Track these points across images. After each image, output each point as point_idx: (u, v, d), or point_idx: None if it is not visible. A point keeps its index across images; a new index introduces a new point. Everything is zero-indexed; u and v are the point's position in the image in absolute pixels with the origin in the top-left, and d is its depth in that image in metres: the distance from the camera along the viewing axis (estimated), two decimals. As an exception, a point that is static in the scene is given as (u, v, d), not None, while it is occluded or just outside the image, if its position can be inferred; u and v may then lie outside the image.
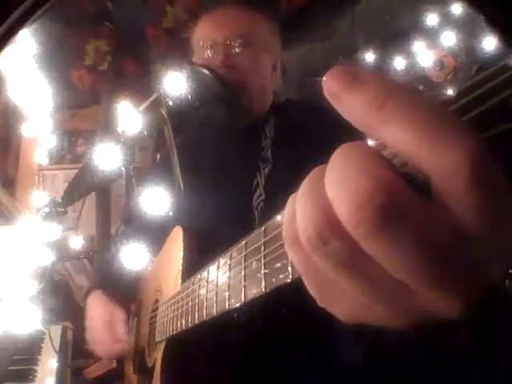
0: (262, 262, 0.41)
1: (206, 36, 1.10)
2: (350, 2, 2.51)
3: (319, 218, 0.25)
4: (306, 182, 0.28)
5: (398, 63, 2.51)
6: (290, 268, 0.36)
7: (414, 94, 0.24)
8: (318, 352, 0.92)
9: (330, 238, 0.25)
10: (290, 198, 0.30)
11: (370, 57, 2.49)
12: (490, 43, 2.11)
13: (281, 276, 0.37)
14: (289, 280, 0.36)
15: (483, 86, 0.22)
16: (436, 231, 0.23)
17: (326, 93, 0.26)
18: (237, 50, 1.07)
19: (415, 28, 2.41)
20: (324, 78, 0.26)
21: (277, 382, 0.90)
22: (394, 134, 0.23)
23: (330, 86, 0.26)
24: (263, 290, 0.41)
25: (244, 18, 1.14)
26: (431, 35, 2.40)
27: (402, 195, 0.23)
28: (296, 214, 0.28)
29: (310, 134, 1.00)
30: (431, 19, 2.35)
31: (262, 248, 0.41)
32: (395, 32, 2.49)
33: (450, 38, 2.37)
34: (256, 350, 0.87)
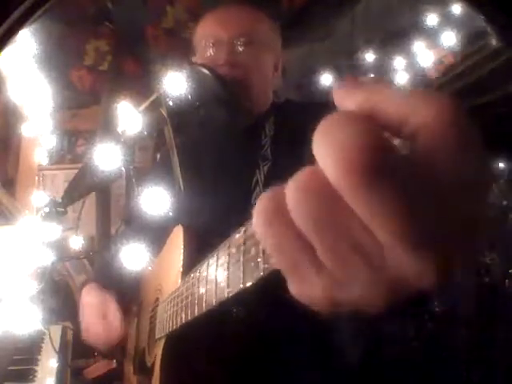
0: (260, 246, 0.41)
1: (209, 34, 1.11)
2: (350, 2, 2.51)
3: (308, 173, 0.27)
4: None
5: (398, 63, 2.50)
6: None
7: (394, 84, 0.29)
8: (317, 348, 0.92)
9: (316, 189, 0.26)
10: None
11: (370, 57, 2.49)
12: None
13: (254, 274, 0.39)
14: (261, 274, 0.37)
15: (461, 65, 0.27)
16: (417, 185, 0.24)
17: (334, 97, 0.30)
18: (240, 48, 1.08)
19: (415, 28, 2.40)
20: (334, 88, 0.31)
21: (276, 378, 0.90)
22: (388, 104, 0.27)
23: (338, 90, 0.30)
24: (261, 273, 0.41)
25: (247, 17, 1.14)
26: (431, 35, 2.40)
27: (387, 149, 0.24)
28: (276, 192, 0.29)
29: (309, 133, 1.00)
30: (431, 19, 2.35)
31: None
32: (395, 32, 2.49)
33: (449, 38, 2.37)
34: (255, 346, 0.87)
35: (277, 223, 0.29)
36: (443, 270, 0.25)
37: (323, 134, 0.26)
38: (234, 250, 0.49)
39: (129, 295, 1.19)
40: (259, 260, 0.41)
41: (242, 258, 0.46)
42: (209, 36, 1.10)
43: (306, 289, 0.29)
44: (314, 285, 0.29)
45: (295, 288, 0.30)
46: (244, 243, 0.46)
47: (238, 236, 0.48)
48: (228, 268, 0.51)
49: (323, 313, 0.30)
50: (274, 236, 0.29)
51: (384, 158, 0.24)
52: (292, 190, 0.27)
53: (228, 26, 1.10)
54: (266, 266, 0.40)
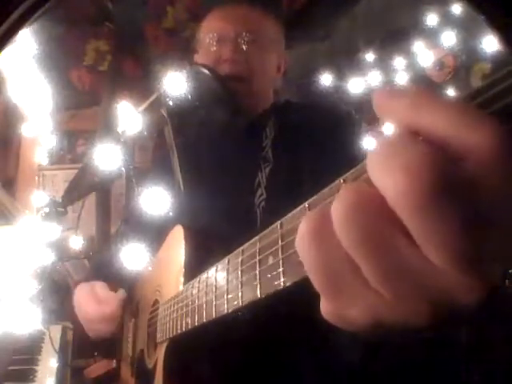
0: (280, 256, 0.40)
1: (214, 30, 1.10)
2: (350, 2, 2.51)
3: (356, 190, 0.27)
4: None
5: (398, 63, 2.50)
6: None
7: (443, 97, 0.27)
8: (319, 351, 0.92)
9: (369, 210, 0.26)
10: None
11: (370, 57, 2.49)
12: (489, 43, 2.11)
13: (301, 269, 0.37)
14: (281, 285, 0.36)
15: (502, 83, 0.25)
16: (473, 207, 0.24)
17: (376, 106, 0.30)
18: (245, 45, 1.08)
19: (415, 28, 2.41)
20: (374, 95, 0.30)
21: (278, 380, 0.90)
22: (433, 124, 0.26)
23: (380, 98, 0.30)
24: (282, 285, 0.40)
25: (254, 16, 1.14)
26: (431, 35, 2.40)
27: (448, 170, 0.24)
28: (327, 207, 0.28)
29: (310, 134, 1.00)
30: (431, 19, 2.35)
31: (279, 241, 0.40)
32: (395, 32, 2.49)
33: (449, 38, 2.37)
34: (258, 351, 0.87)
35: (322, 243, 0.28)
36: (491, 289, 0.26)
37: (381, 155, 0.26)
38: (247, 259, 0.48)
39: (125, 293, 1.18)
40: (279, 272, 0.40)
41: (257, 268, 0.45)
42: (214, 32, 1.10)
43: (345, 308, 0.29)
44: (356, 305, 0.28)
45: (331, 307, 0.30)
46: (259, 252, 0.45)
47: (251, 244, 0.47)
48: (241, 276, 0.50)
49: (359, 335, 0.30)
50: (317, 256, 0.29)
51: (447, 179, 0.24)
52: (339, 206, 0.27)
53: (235, 22, 1.10)
54: (287, 277, 0.39)
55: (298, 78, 2.50)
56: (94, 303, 1.07)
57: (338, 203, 0.27)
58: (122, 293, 1.09)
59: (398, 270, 0.26)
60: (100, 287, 1.09)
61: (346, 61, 2.51)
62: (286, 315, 0.87)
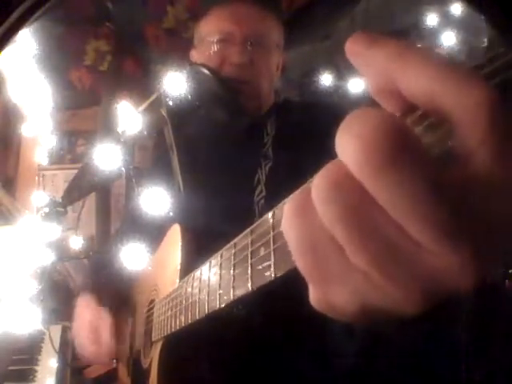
0: (271, 247, 0.39)
1: (220, 30, 1.09)
2: (350, 2, 2.51)
3: (332, 169, 0.25)
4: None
5: (398, 63, 2.50)
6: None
7: (432, 49, 0.25)
8: (316, 349, 0.92)
9: (342, 183, 0.25)
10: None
11: (370, 57, 2.49)
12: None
13: (264, 277, 0.37)
14: (272, 277, 0.36)
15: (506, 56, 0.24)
16: (448, 179, 0.23)
17: (349, 54, 0.28)
18: (251, 47, 1.07)
19: (415, 28, 2.40)
20: (348, 41, 0.28)
21: (275, 379, 0.89)
22: (416, 79, 0.24)
23: (354, 44, 0.27)
24: (273, 276, 0.39)
25: (259, 17, 1.13)
26: (431, 35, 2.40)
27: (407, 137, 0.23)
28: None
29: (310, 131, 1.00)
30: (431, 19, 2.35)
31: (271, 231, 0.39)
32: (395, 32, 2.49)
33: (449, 38, 2.37)
34: (254, 348, 0.87)
35: (303, 222, 0.27)
36: (481, 270, 0.24)
37: (342, 129, 0.24)
38: (239, 251, 0.48)
39: (122, 296, 1.18)
40: (269, 263, 0.39)
41: (249, 260, 0.44)
42: (218, 32, 1.08)
43: (332, 294, 0.27)
44: (342, 289, 0.27)
45: (318, 295, 0.28)
46: (251, 244, 0.44)
47: (244, 237, 0.47)
48: (234, 270, 0.49)
49: (348, 322, 0.28)
50: (299, 236, 0.28)
51: (403, 145, 0.22)
52: (316, 186, 0.26)
53: (241, 23, 1.08)
54: (277, 268, 0.38)
55: (298, 77, 2.50)
56: (92, 342, 1.08)
57: (316, 181, 0.26)
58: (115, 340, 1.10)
59: (381, 248, 0.25)
60: (105, 327, 1.08)
61: (346, 61, 2.51)
62: (282, 314, 0.86)
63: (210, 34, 1.10)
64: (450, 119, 0.23)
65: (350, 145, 0.23)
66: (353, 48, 0.27)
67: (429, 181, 0.22)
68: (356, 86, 2.38)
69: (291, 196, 0.29)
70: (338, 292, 0.27)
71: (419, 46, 0.26)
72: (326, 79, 2.43)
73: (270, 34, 1.12)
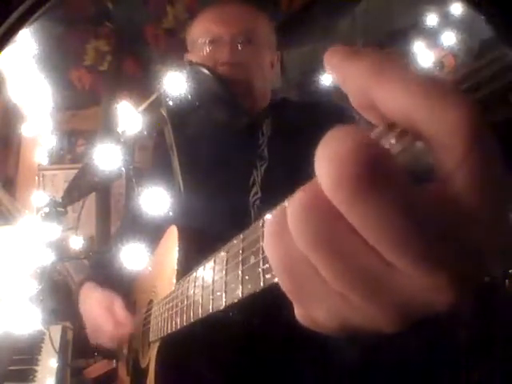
0: (261, 255, 0.39)
1: (208, 32, 1.09)
2: (350, 2, 2.51)
3: (308, 190, 0.25)
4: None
5: (398, 63, 2.50)
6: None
7: (409, 63, 0.25)
8: (315, 351, 0.92)
9: (315, 207, 0.24)
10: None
11: (370, 57, 2.49)
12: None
13: (253, 285, 0.37)
14: (261, 285, 0.36)
15: (484, 71, 0.23)
16: (423, 202, 0.22)
17: (327, 65, 0.27)
18: (241, 47, 1.07)
19: (415, 28, 2.40)
20: (325, 55, 0.27)
21: (274, 381, 0.89)
22: (393, 96, 0.23)
23: (332, 58, 0.27)
24: (262, 284, 0.39)
25: (246, 16, 1.14)
26: (431, 35, 2.40)
27: (383, 161, 0.22)
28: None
29: (306, 132, 1.00)
30: (431, 19, 2.35)
31: (260, 239, 0.40)
32: (395, 32, 2.49)
33: (449, 38, 2.37)
34: (251, 349, 0.87)
35: (280, 243, 0.27)
36: (458, 291, 0.23)
37: (320, 149, 0.24)
38: (231, 258, 0.48)
39: (122, 293, 1.18)
40: (259, 271, 0.39)
41: (240, 267, 0.44)
42: (207, 33, 1.09)
43: (313, 312, 0.28)
44: (321, 308, 0.27)
45: (301, 311, 0.29)
46: (242, 251, 0.44)
47: (235, 243, 0.47)
48: (226, 276, 0.49)
49: (331, 336, 0.29)
50: (277, 256, 0.28)
51: (377, 169, 0.22)
52: (290, 208, 0.25)
53: (229, 24, 1.09)
54: (268, 277, 0.38)
55: (299, 77, 2.50)
56: (110, 320, 1.05)
57: (290, 204, 0.26)
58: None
59: (356, 272, 0.24)
60: (117, 302, 1.07)
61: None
62: (279, 315, 0.86)
63: (201, 37, 1.10)
64: (428, 139, 0.23)
65: (325, 168, 0.23)
66: (330, 61, 0.27)
67: (403, 206, 0.22)
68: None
69: (270, 214, 0.29)
70: (318, 310, 0.27)
71: (396, 58, 0.25)
72: (325, 79, 2.43)
73: (259, 33, 1.12)
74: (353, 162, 0.22)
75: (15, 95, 1.76)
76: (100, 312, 1.07)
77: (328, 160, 0.23)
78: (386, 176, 0.22)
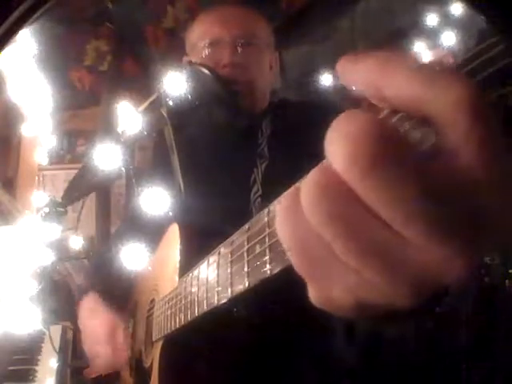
0: (267, 243, 0.40)
1: (209, 34, 1.10)
2: (350, 2, 2.51)
3: (321, 172, 0.26)
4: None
5: (398, 63, 2.50)
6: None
7: (412, 57, 0.27)
8: (317, 349, 0.92)
9: (330, 185, 0.26)
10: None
11: (369, 57, 2.49)
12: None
13: (260, 274, 0.37)
14: (267, 273, 0.36)
15: (490, 51, 0.25)
16: (433, 175, 0.23)
17: (340, 76, 0.29)
18: (241, 48, 1.08)
19: (415, 28, 2.40)
20: (336, 66, 0.29)
21: (276, 380, 0.90)
22: (398, 84, 0.25)
23: (342, 64, 0.29)
24: (268, 273, 0.39)
25: (247, 17, 1.15)
26: (431, 35, 2.40)
27: (393, 137, 0.24)
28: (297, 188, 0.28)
29: (305, 131, 1.00)
30: (431, 19, 2.35)
31: (266, 228, 0.40)
32: (395, 32, 2.49)
33: (449, 38, 2.37)
34: (254, 348, 0.87)
35: (293, 223, 0.28)
36: (468, 262, 0.24)
37: (331, 130, 0.25)
38: (236, 249, 0.48)
39: (124, 295, 1.18)
40: (265, 259, 0.40)
41: (245, 257, 0.45)
42: (208, 35, 1.10)
43: (328, 292, 0.28)
44: (336, 287, 0.28)
45: (315, 292, 0.29)
46: (248, 241, 0.44)
47: (240, 234, 0.47)
48: (231, 267, 0.49)
49: (347, 317, 0.29)
50: (290, 236, 0.29)
51: (389, 146, 0.23)
52: (304, 188, 0.27)
53: (229, 25, 1.09)
54: (273, 264, 0.39)
55: (299, 78, 2.50)
56: (109, 348, 1.07)
57: (303, 184, 0.27)
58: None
59: (370, 247, 0.25)
60: (118, 329, 1.07)
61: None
62: (283, 314, 0.87)
63: (201, 39, 1.10)
64: (433, 120, 0.24)
65: (337, 146, 0.24)
66: (341, 69, 0.29)
67: (415, 180, 0.23)
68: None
69: (282, 196, 0.30)
70: (333, 289, 0.28)
71: (398, 54, 0.27)
72: (325, 79, 2.43)
73: (259, 34, 1.13)
74: (365, 140, 0.23)
75: (15, 95, 1.75)
76: (100, 337, 1.07)
77: (341, 139, 0.24)
78: (397, 151, 0.23)
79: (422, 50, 2.47)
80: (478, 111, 0.23)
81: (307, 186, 0.26)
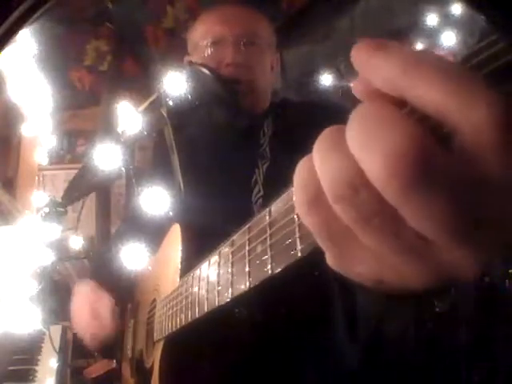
0: (268, 243, 0.40)
1: (211, 33, 1.09)
2: (350, 2, 2.51)
3: (348, 169, 0.26)
4: (323, 139, 0.28)
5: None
6: (298, 244, 0.35)
7: (439, 56, 0.26)
8: (318, 349, 0.92)
9: (360, 187, 0.25)
10: (301, 162, 0.30)
11: (369, 57, 2.49)
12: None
13: (290, 253, 0.36)
14: (298, 256, 0.36)
15: (495, 46, 0.24)
16: (461, 184, 0.24)
17: (354, 61, 0.28)
18: (243, 48, 1.08)
19: (415, 28, 2.40)
20: (354, 48, 0.28)
21: (277, 380, 0.90)
22: (425, 92, 0.24)
23: (360, 53, 0.27)
24: (270, 272, 0.40)
25: (248, 17, 1.14)
26: (431, 35, 2.40)
27: (435, 151, 0.24)
28: (313, 172, 0.28)
29: (306, 131, 1.00)
30: (431, 19, 2.35)
31: (268, 228, 0.40)
32: (395, 32, 2.48)
33: (449, 38, 2.37)
34: (256, 348, 0.87)
35: (319, 213, 0.29)
36: (487, 261, 0.26)
37: (362, 127, 0.25)
38: (237, 249, 0.48)
39: (125, 294, 1.18)
40: (266, 258, 0.40)
41: (247, 257, 0.45)
42: (210, 35, 1.09)
43: (349, 265, 0.30)
44: (359, 264, 0.29)
45: (336, 263, 0.30)
46: (249, 242, 0.45)
47: (241, 234, 0.47)
48: (232, 267, 0.50)
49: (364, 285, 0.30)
50: (317, 224, 0.29)
51: (430, 161, 0.23)
52: (329, 184, 0.27)
53: (232, 24, 1.09)
54: (274, 264, 0.39)
55: (299, 78, 2.50)
56: (92, 321, 1.07)
57: (329, 179, 0.27)
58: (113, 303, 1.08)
59: (394, 244, 0.26)
60: (104, 303, 1.08)
61: (345, 61, 2.51)
62: (284, 315, 0.86)
63: (203, 38, 1.10)
64: (458, 130, 0.24)
65: (373, 154, 0.24)
66: (358, 56, 0.28)
67: (449, 196, 0.24)
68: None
69: (302, 183, 0.29)
70: (354, 266, 0.29)
71: (422, 51, 0.26)
72: (325, 79, 2.43)
73: (261, 34, 1.13)
74: (407, 157, 0.23)
75: (15, 95, 1.75)
76: (86, 310, 1.08)
77: (381, 154, 0.24)
78: (436, 169, 0.24)
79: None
80: (505, 126, 0.23)
81: (341, 178, 0.26)
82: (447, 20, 2.35)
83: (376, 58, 0.26)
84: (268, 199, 1.04)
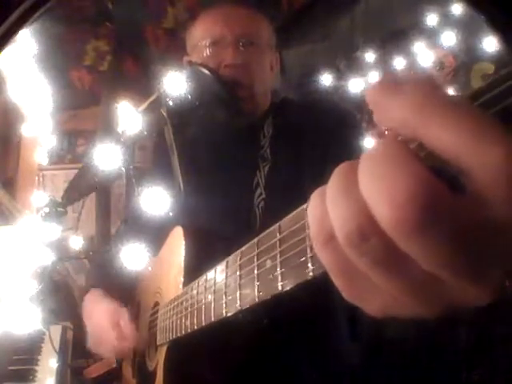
0: (278, 260, 0.40)
1: (210, 33, 1.09)
2: (350, 2, 2.51)
3: (359, 215, 0.26)
4: (336, 180, 0.28)
5: (398, 63, 2.50)
6: (310, 264, 0.35)
7: (451, 97, 0.25)
8: (318, 351, 0.92)
9: (370, 234, 0.25)
10: (315, 195, 0.30)
11: (370, 57, 2.49)
12: (489, 43, 2.11)
13: (301, 272, 0.36)
14: (310, 276, 0.36)
15: (506, 82, 0.24)
16: (470, 226, 0.24)
17: (368, 100, 0.28)
18: (243, 48, 1.07)
19: (415, 28, 2.40)
20: (367, 90, 0.28)
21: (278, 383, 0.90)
22: (436, 135, 0.24)
23: (373, 93, 0.28)
24: (280, 288, 0.40)
25: (248, 17, 1.14)
26: (431, 35, 2.40)
27: (443, 195, 0.24)
28: (326, 212, 0.28)
29: (307, 132, 1.00)
30: (431, 19, 2.35)
31: (278, 245, 0.40)
32: (395, 32, 2.49)
33: (449, 38, 2.37)
34: (259, 354, 0.86)
35: (333, 253, 0.29)
36: (496, 289, 0.26)
37: (371, 167, 0.25)
38: (246, 262, 0.48)
39: (126, 295, 1.18)
40: (276, 274, 0.40)
41: (256, 271, 0.45)
42: (209, 35, 1.09)
43: (360, 301, 0.30)
44: (370, 300, 0.29)
45: (347, 296, 0.30)
46: (257, 257, 0.45)
47: (250, 248, 0.47)
48: (240, 279, 0.50)
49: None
50: (332, 264, 0.29)
51: (438, 205, 0.23)
52: (342, 228, 0.27)
53: (231, 24, 1.08)
54: (286, 281, 0.39)
55: (299, 77, 2.50)
56: (113, 333, 1.03)
57: (342, 222, 0.27)
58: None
59: (409, 286, 0.27)
60: (123, 315, 1.05)
61: (345, 61, 2.51)
62: (286, 318, 0.86)
63: (202, 39, 1.09)
64: (473, 173, 0.24)
65: (384, 201, 0.24)
66: (372, 97, 0.28)
67: (457, 238, 0.24)
68: (356, 86, 2.38)
69: (316, 222, 0.30)
70: (365, 301, 0.30)
71: (437, 90, 0.26)
72: (325, 79, 2.43)
73: (260, 34, 1.12)
74: (414, 205, 0.23)
75: (15, 95, 1.75)
76: (105, 324, 1.05)
77: (389, 199, 0.24)
78: (443, 213, 0.23)
79: (421, 50, 2.47)
80: None
81: (350, 226, 0.26)
82: (447, 20, 2.35)
83: (387, 99, 0.27)
84: (270, 201, 1.04)
